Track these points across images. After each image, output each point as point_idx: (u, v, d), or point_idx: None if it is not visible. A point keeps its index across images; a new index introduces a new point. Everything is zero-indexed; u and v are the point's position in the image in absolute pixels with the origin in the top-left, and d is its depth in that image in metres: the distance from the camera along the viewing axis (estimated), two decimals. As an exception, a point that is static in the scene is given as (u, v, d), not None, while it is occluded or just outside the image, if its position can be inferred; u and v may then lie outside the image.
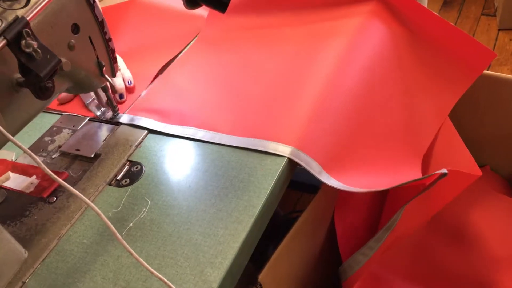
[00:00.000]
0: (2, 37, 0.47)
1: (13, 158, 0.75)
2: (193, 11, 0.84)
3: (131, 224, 0.60)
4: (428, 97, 0.85)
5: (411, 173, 0.77)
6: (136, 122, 0.75)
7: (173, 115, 0.76)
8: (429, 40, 0.84)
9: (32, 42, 0.49)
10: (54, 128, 0.79)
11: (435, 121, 0.84)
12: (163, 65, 0.88)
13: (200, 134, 0.71)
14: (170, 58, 0.89)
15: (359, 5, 0.83)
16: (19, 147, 0.47)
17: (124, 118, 0.77)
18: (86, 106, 0.81)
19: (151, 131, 0.74)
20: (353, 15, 0.82)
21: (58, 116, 0.82)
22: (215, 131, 0.70)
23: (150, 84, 0.84)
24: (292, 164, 0.64)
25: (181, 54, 0.90)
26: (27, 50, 0.48)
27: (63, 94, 0.83)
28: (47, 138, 0.78)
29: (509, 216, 0.90)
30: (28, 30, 0.48)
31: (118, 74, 0.81)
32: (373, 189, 0.64)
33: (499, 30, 2.09)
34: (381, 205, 0.88)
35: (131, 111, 0.78)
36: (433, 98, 0.85)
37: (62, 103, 0.84)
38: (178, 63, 0.88)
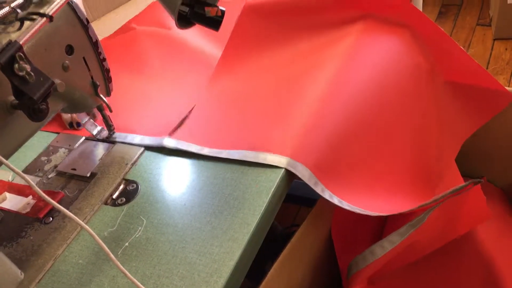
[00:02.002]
0: (-4, 62, 0.47)
1: (10, 179, 0.75)
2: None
3: (126, 244, 0.60)
4: (443, 127, 0.85)
5: (413, 199, 0.77)
6: (130, 140, 0.76)
7: (166, 131, 0.76)
8: (449, 72, 0.84)
9: (25, 65, 0.49)
10: (51, 148, 0.80)
11: (447, 153, 0.84)
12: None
13: (194, 148, 0.71)
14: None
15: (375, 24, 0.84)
16: (13, 170, 0.48)
17: (119, 137, 0.77)
18: (78, 124, 0.82)
19: (147, 148, 0.75)
20: (357, 32, 0.83)
21: (54, 135, 0.82)
22: (209, 146, 0.71)
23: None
24: (287, 179, 0.65)
25: None
26: (20, 73, 0.49)
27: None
28: (43, 158, 0.78)
29: (506, 225, 0.90)
30: (21, 54, 0.49)
31: None
32: (373, 213, 0.65)
33: (494, 39, 2.10)
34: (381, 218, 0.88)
35: (125, 131, 0.79)
36: (447, 129, 0.85)
37: None
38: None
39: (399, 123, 0.79)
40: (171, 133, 0.75)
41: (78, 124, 0.82)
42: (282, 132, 0.69)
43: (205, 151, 0.70)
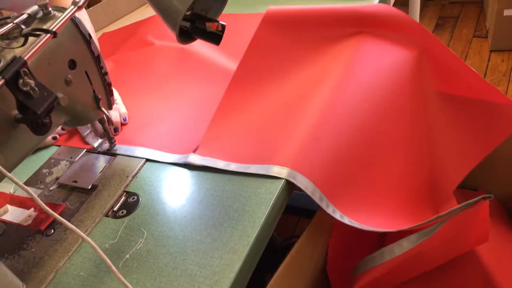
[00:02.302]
0: (0, 77, 0.48)
1: (12, 191, 0.76)
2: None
3: (127, 256, 0.61)
4: (452, 147, 0.85)
5: (414, 215, 0.78)
6: (131, 153, 0.77)
7: (170, 144, 0.77)
8: (461, 91, 0.84)
9: (30, 81, 0.50)
10: (52, 160, 0.80)
11: (456, 174, 0.85)
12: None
13: (221, 164, 0.71)
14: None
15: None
16: (16, 183, 0.48)
17: (120, 149, 0.78)
18: (83, 138, 0.83)
19: (147, 160, 0.75)
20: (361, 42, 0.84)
21: (56, 148, 0.83)
22: (211, 157, 0.72)
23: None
24: (287, 191, 0.66)
25: None
26: (25, 88, 0.50)
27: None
28: (45, 170, 0.79)
29: (504, 237, 0.91)
30: (26, 70, 0.50)
31: (114, 107, 0.83)
32: (373, 229, 0.65)
33: (491, 51, 2.12)
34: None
35: (126, 142, 0.80)
36: (457, 149, 0.85)
37: None
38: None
39: (401, 136, 0.80)
40: (194, 150, 0.74)
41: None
42: (284, 143, 0.70)
43: (232, 166, 0.69)
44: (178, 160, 0.73)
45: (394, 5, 1.31)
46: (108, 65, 1.07)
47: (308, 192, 0.64)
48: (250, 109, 0.81)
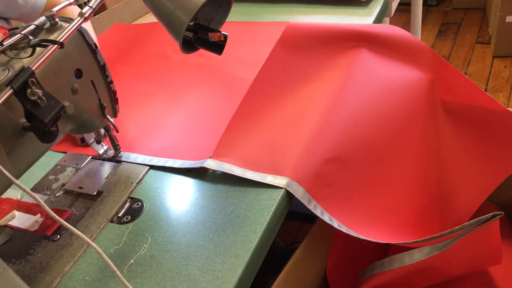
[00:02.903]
0: (9, 87, 0.50)
1: (19, 197, 0.77)
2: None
3: (132, 261, 0.62)
4: (466, 172, 0.86)
5: (416, 229, 0.79)
6: (134, 159, 0.78)
7: (170, 150, 0.79)
8: (474, 115, 0.86)
9: (37, 90, 0.52)
10: (58, 167, 0.82)
11: (470, 201, 0.86)
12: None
13: (238, 171, 0.71)
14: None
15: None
16: (23, 190, 0.50)
17: (125, 156, 0.80)
18: (89, 145, 0.84)
19: (151, 167, 0.77)
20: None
21: (62, 155, 0.85)
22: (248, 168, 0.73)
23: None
24: (288, 197, 0.67)
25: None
26: (33, 98, 0.51)
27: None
28: (51, 177, 0.80)
29: (505, 243, 0.91)
30: (34, 80, 0.52)
31: None
32: (369, 239, 0.66)
33: (493, 57, 2.13)
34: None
35: (131, 149, 0.81)
36: (470, 175, 0.86)
37: None
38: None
39: (410, 154, 0.81)
40: (212, 156, 0.74)
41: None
42: (283, 153, 0.71)
43: (249, 174, 0.69)
44: (194, 165, 0.74)
45: (396, 12, 1.32)
46: (122, 73, 1.09)
47: (304, 201, 0.66)
48: (261, 119, 0.82)
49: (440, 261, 0.70)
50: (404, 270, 0.73)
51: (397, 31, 0.88)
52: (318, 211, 0.67)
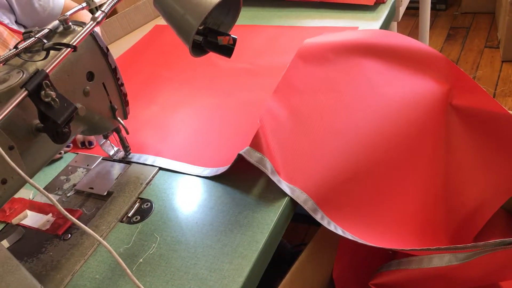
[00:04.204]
0: (24, 89, 0.51)
1: (31, 197, 0.79)
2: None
3: (141, 260, 0.63)
4: (481, 179, 0.87)
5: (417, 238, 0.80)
6: (144, 161, 0.80)
7: (179, 152, 0.80)
8: (489, 126, 0.86)
9: (51, 92, 0.53)
10: (69, 168, 0.83)
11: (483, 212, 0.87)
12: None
13: (207, 171, 0.74)
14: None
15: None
16: (37, 189, 0.51)
17: (135, 157, 0.81)
18: (99, 146, 0.86)
19: (160, 169, 0.78)
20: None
21: (73, 156, 0.86)
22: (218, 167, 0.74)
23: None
24: (294, 200, 0.68)
25: None
26: (46, 99, 0.53)
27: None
28: (62, 177, 0.82)
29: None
30: (48, 82, 0.53)
31: None
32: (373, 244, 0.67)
33: (502, 61, 2.13)
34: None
35: (141, 151, 0.83)
36: (483, 187, 0.87)
37: None
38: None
39: (416, 159, 0.82)
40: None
41: (90, 143, 0.86)
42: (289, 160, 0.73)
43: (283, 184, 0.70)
44: (209, 174, 0.74)
45: (404, 16, 1.32)
46: (166, 78, 1.08)
47: (306, 207, 0.67)
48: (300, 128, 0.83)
49: (458, 271, 0.71)
50: (421, 272, 0.74)
51: (414, 42, 0.88)
52: (318, 215, 0.68)
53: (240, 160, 0.69)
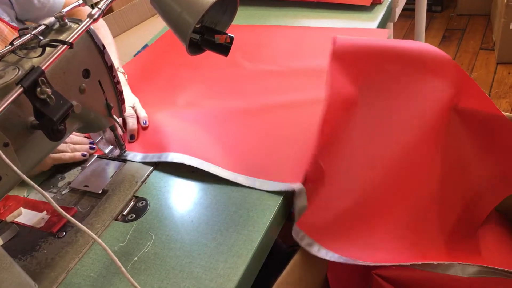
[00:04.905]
0: (19, 85, 0.51)
1: (25, 194, 0.78)
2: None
3: (136, 258, 0.63)
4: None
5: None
6: (139, 159, 0.79)
7: (175, 151, 0.80)
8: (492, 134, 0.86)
9: (47, 89, 0.53)
10: (64, 165, 0.83)
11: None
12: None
13: (206, 166, 0.74)
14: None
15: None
16: (32, 186, 0.51)
17: (130, 156, 0.81)
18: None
19: (156, 167, 0.78)
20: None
21: (68, 154, 0.86)
22: (216, 164, 0.74)
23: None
24: (289, 199, 0.68)
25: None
26: (42, 96, 0.52)
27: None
28: (57, 175, 0.81)
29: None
30: (43, 79, 0.53)
31: (132, 114, 0.85)
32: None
33: (497, 63, 2.14)
34: None
35: (136, 149, 0.82)
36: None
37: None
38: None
39: (416, 169, 0.83)
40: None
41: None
42: (284, 161, 0.73)
43: (240, 179, 0.72)
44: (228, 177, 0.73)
45: (400, 17, 1.33)
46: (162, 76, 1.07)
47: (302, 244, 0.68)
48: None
49: (462, 283, 0.72)
50: (427, 275, 0.74)
51: (424, 46, 0.88)
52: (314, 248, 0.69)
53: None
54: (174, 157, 0.76)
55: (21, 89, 0.51)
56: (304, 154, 0.73)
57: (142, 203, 0.72)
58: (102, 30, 1.07)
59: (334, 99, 0.76)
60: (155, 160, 0.78)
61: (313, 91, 0.88)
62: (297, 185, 0.66)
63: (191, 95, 0.96)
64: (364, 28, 1.07)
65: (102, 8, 0.61)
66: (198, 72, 1.04)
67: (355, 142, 0.78)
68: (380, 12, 1.11)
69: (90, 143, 0.85)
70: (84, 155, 0.83)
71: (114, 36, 1.39)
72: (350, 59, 0.83)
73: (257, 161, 0.75)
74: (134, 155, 0.81)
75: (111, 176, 0.78)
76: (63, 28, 0.62)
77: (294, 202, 0.67)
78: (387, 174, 0.79)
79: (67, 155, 0.82)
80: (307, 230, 0.69)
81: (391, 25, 1.26)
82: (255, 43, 1.10)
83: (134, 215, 0.70)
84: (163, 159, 0.77)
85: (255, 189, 0.69)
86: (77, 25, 0.61)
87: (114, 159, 0.82)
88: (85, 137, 0.87)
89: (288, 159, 0.74)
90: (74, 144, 0.84)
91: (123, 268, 0.52)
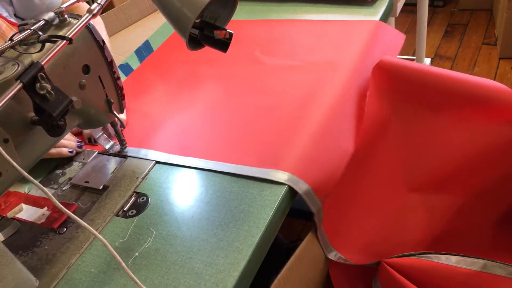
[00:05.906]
0: (19, 81, 0.51)
1: (26, 191, 0.78)
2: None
3: (136, 254, 0.63)
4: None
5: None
6: (140, 155, 0.79)
7: (175, 146, 0.80)
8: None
9: (46, 84, 0.53)
10: (65, 161, 0.83)
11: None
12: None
13: (201, 163, 0.74)
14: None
15: None
16: (32, 182, 0.51)
17: (131, 151, 0.81)
18: (95, 140, 0.85)
19: (157, 162, 0.78)
20: None
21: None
22: (215, 160, 0.74)
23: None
24: (291, 194, 0.68)
25: None
26: (41, 92, 0.52)
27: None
28: (58, 171, 0.81)
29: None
30: (43, 74, 0.53)
31: None
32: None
33: (500, 59, 2.12)
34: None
35: (137, 145, 0.82)
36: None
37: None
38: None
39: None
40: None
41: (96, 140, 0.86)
42: (286, 149, 0.73)
43: (211, 164, 0.74)
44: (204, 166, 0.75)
45: (402, 12, 1.32)
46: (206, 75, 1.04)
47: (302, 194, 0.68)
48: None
49: (470, 277, 0.72)
50: (436, 266, 0.75)
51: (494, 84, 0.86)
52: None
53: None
54: (175, 160, 0.77)
55: (20, 85, 0.51)
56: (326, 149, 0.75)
57: (142, 199, 0.72)
58: (97, 28, 1.07)
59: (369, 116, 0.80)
60: (155, 157, 0.78)
61: (334, 84, 0.88)
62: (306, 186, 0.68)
63: (211, 93, 0.95)
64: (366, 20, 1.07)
65: (102, 4, 0.61)
66: (216, 69, 1.02)
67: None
68: (381, 7, 1.10)
69: (77, 142, 0.85)
70: (70, 152, 0.83)
71: (115, 32, 1.39)
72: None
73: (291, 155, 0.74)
74: (135, 151, 0.81)
75: (112, 172, 0.78)
76: (62, 24, 0.61)
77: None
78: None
79: (53, 150, 0.81)
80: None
81: (392, 19, 1.26)
82: (272, 38, 1.09)
83: (134, 211, 0.70)
84: (163, 159, 0.77)
85: (256, 184, 0.69)
86: (77, 20, 0.61)
87: (115, 155, 0.82)
88: (90, 138, 0.87)
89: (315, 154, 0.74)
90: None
91: (123, 264, 0.52)
